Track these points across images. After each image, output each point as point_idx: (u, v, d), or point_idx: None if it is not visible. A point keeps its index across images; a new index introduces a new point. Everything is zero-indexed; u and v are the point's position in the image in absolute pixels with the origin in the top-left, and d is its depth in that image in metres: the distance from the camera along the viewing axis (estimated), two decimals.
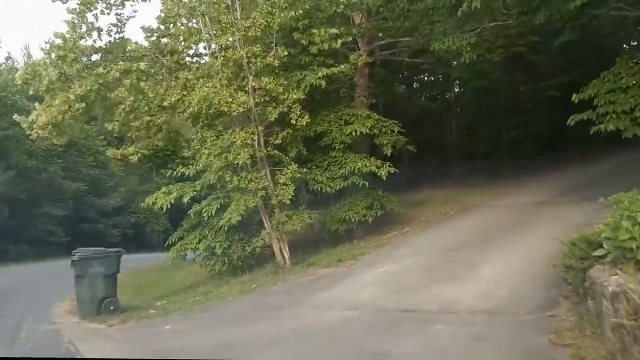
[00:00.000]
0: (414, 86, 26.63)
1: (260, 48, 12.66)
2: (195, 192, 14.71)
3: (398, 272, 10.58)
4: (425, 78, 26.40)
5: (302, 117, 12.75)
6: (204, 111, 12.85)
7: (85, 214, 38.59)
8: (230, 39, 12.57)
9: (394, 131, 14.41)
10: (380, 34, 17.35)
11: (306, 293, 10.52)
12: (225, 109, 12.40)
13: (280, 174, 12.95)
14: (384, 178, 13.47)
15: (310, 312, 9.30)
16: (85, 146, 40.61)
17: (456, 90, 24.33)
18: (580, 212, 12.43)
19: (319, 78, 13.53)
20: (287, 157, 13.29)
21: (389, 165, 13.59)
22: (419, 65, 20.90)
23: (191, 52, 16.10)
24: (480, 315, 7.42)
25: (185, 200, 14.45)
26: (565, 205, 13.67)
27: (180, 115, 14.98)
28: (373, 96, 18.63)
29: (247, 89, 12.76)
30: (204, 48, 15.00)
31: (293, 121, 12.72)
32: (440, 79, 24.81)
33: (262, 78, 12.51)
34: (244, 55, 12.58)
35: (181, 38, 15.02)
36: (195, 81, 13.34)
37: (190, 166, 14.93)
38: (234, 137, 12.60)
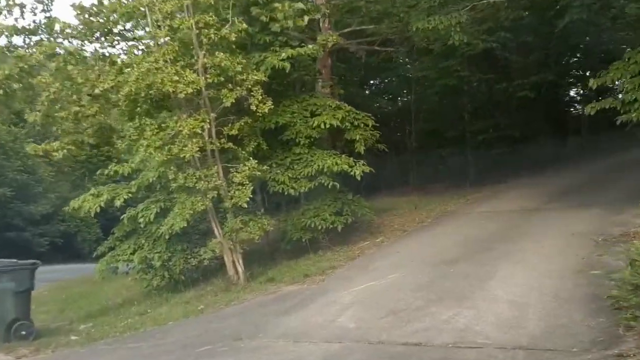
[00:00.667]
0: (373, 87, 24.86)
1: (214, 18, 10.48)
2: (130, 194, 12.37)
3: (384, 291, 8.59)
4: (386, 80, 24.70)
5: (265, 103, 10.65)
6: (142, 93, 10.53)
7: (11, 221, 34.97)
8: (178, 3, 10.29)
9: (367, 125, 12.48)
10: (347, 19, 15.43)
11: (269, 317, 8.38)
12: (170, 90, 10.16)
13: (236, 172, 10.77)
14: (359, 178, 11.52)
15: (276, 344, 7.16)
16: (13, 149, 37.08)
17: (418, 90, 22.63)
18: (579, 220, 10.99)
19: (283, 60, 11.45)
20: (244, 152, 11.13)
21: (363, 164, 11.64)
22: (385, 58, 19.17)
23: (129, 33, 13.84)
24: (519, 354, 5.48)
25: (117, 203, 12.07)
26: (558, 212, 12.20)
27: (115, 103, 12.57)
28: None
29: (196, 67, 10.56)
30: (145, 25, 12.73)
31: (253, 107, 10.59)
32: (404, 77, 23.05)
33: (217, 53, 10.32)
34: (194, 25, 10.38)
35: (116, 15, 12.58)
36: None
37: (126, 163, 12.56)
38: (180, 126, 10.35)
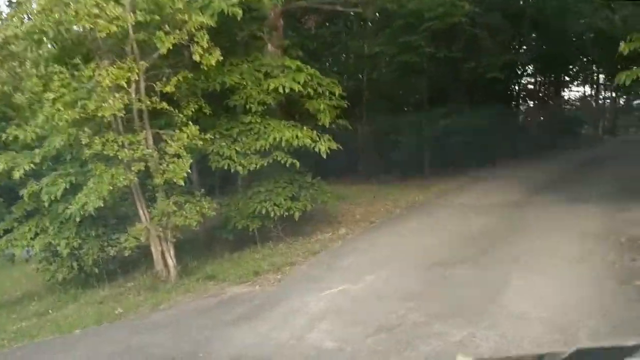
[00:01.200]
0: (326, 63, 22.73)
1: None
2: (33, 165, 9.70)
3: (364, 297, 6.61)
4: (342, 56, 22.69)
5: (211, 53, 8.35)
6: (50, 32, 8.02)
7: None
8: None
9: (334, 94, 10.39)
10: None
11: (213, 330, 6.22)
12: (87, 27, 7.72)
13: (170, 140, 8.45)
14: (325, 155, 9.44)
15: None
16: None
17: (374, 68, 20.70)
18: (582, 217, 9.45)
19: (233, 5, 9.15)
20: (181, 115, 8.79)
21: (329, 139, 9.59)
22: (336, 32, 17.10)
23: None
24: None
25: (17, 175, 9.42)
26: (552, 206, 10.63)
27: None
28: None
29: None
30: None
31: (196, 57, 8.26)
32: (357, 52, 21.06)
33: None
34: None
35: None
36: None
37: (28, 127, 9.92)
38: (99, 75, 7.91)
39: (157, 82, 8.53)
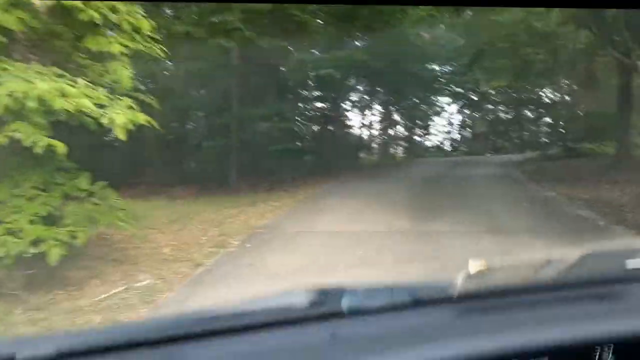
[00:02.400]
0: None
1: None
2: None
3: None
4: None
5: None
6: None
7: None
8: None
9: (138, 31, 5.75)
10: None
11: None
12: None
13: None
14: (123, 134, 4.83)
15: None
16: None
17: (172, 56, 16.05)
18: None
19: None
20: None
21: (130, 106, 4.99)
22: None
23: None
24: None
25: None
26: (462, 239, 7.31)
27: None
28: None
29: None
30: None
31: None
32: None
33: None
34: None
35: None
36: None
37: None
38: None
39: None
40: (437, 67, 26.89)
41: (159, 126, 15.58)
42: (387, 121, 33.31)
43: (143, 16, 5.94)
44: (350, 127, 28.46)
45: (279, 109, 14.73)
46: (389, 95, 25.57)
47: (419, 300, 1.23)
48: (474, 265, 1.32)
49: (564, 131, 18.73)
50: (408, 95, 26.79)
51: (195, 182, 15.10)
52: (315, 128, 18.12)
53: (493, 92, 32.28)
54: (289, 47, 14.18)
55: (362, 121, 27.14)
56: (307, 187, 13.73)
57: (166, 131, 16.24)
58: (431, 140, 36.97)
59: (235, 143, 15.10)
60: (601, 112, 16.82)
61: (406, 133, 35.92)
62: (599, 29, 12.14)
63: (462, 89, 31.78)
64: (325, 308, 1.20)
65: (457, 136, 36.55)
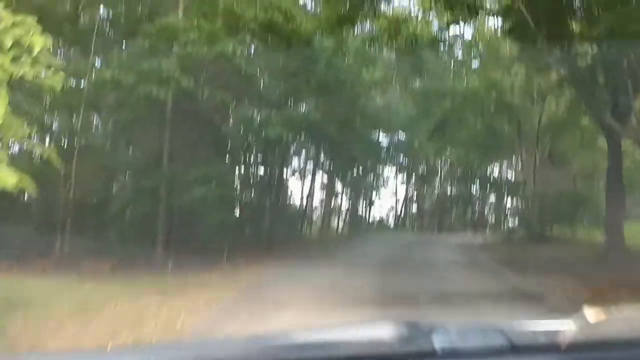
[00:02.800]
0: None
1: None
2: None
3: None
4: None
5: None
6: None
7: None
8: None
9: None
10: None
11: None
12: None
13: None
14: None
15: None
16: None
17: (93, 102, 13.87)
18: None
19: None
20: None
21: None
22: None
23: None
24: None
25: None
26: None
27: None
28: None
29: None
30: None
31: None
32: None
33: None
34: None
35: None
36: None
37: None
38: None
39: None
40: (387, 136, 25.59)
41: (77, 189, 13.26)
42: (331, 191, 31.59)
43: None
44: (294, 195, 26.57)
45: (218, 172, 12.66)
46: (336, 162, 23.98)
47: (519, 346, 1.12)
48: (589, 313, 1.20)
49: (529, 212, 17.09)
50: (355, 163, 25.19)
51: (114, 255, 12.63)
52: (258, 196, 16.11)
53: (447, 166, 31.43)
54: (232, 102, 12.29)
55: (307, 189, 25.37)
56: (249, 268, 11.60)
57: (83, 193, 13.87)
58: (377, 214, 35.47)
59: (163, 210, 12.84)
60: (574, 192, 15.83)
61: (351, 204, 34.23)
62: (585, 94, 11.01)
63: (412, 160, 30.54)
64: (416, 346, 1.16)
65: (406, 210, 35.36)
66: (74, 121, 14.19)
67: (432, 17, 13.44)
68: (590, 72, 9.98)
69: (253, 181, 17.34)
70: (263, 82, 13.24)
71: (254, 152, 15.47)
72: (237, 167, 14.61)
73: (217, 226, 12.50)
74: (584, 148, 17.65)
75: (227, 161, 13.69)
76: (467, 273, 11.24)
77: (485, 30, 16.87)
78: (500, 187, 31.19)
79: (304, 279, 10.29)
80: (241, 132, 13.19)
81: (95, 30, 13.52)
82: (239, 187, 14.25)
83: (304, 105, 13.37)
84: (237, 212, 13.43)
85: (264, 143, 13.61)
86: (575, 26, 9.89)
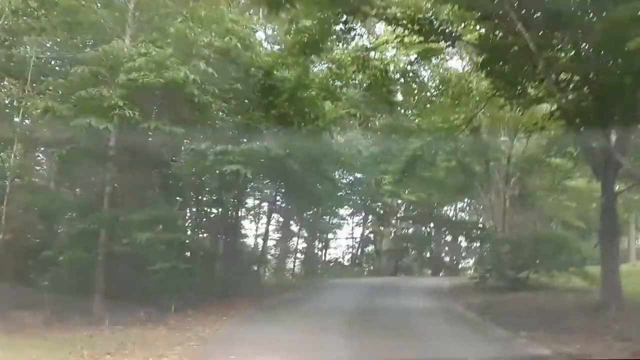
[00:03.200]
0: None
1: None
2: None
3: None
4: None
5: None
6: None
7: None
8: None
9: None
10: None
11: None
12: None
13: None
14: None
15: None
16: None
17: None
18: None
19: None
20: None
21: None
22: None
23: None
24: None
25: None
26: None
27: None
28: None
29: None
30: None
31: None
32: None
33: None
34: None
35: None
36: None
37: None
38: None
39: None
40: (346, 174, 24.53)
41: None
42: (288, 231, 30.20)
43: None
44: (248, 237, 25.02)
45: (165, 214, 11.26)
46: (294, 200, 22.73)
47: None
48: None
49: (499, 257, 15.89)
50: (311, 204, 23.96)
51: (47, 306, 11.13)
52: (211, 239, 14.73)
53: (409, 206, 30.52)
54: (183, 135, 11.03)
55: (262, 230, 23.94)
56: (198, 322, 10.19)
57: (14, 237, 12.23)
58: (333, 256, 33.99)
59: (103, 256, 11.32)
60: (552, 235, 14.98)
61: (306, 246, 32.83)
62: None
63: (372, 200, 29.39)
64: None
65: (363, 252, 34.03)
66: (4, 158, 12.66)
67: (403, 48, 12.66)
68: (588, 102, 9.17)
69: (206, 223, 16.04)
70: (218, 113, 12.01)
71: (207, 190, 14.14)
72: (188, 208, 13.24)
73: (164, 274, 11.04)
74: (555, 189, 17.14)
75: (176, 201, 12.28)
76: (444, 327, 10.03)
77: (462, 64, 16.31)
78: (466, 228, 30.27)
79: (255, 335, 9.02)
80: (194, 169, 11.87)
81: (33, 59, 12.13)
82: (190, 229, 12.85)
83: (263, 139, 12.18)
84: (186, 258, 12.00)
85: (219, 180, 12.33)
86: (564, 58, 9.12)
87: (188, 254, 13.09)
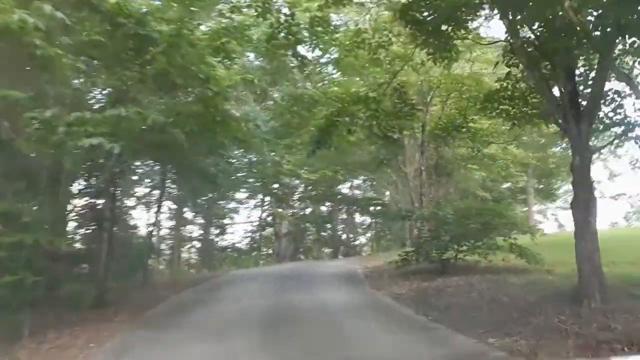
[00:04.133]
0: None
1: None
2: None
3: None
4: None
5: None
6: None
7: None
8: None
9: None
10: None
11: None
12: None
13: None
14: None
15: None
16: None
17: None
18: None
19: None
20: None
21: None
22: None
23: None
24: None
25: None
26: None
27: None
28: None
29: None
30: None
31: None
32: None
33: None
34: None
35: None
36: None
37: None
38: None
39: None
40: (242, 153, 21.99)
41: None
42: (181, 221, 27.71)
43: None
44: (138, 228, 22.26)
45: (7, 209, 8.31)
46: (184, 187, 20.03)
47: None
48: None
49: (419, 234, 14.14)
50: (206, 189, 21.39)
51: None
52: (90, 235, 11.85)
53: (307, 186, 28.71)
54: (26, 101, 8.11)
55: (152, 219, 21.16)
56: (62, 352, 7.53)
57: None
58: (231, 242, 31.82)
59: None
60: (484, 207, 13.38)
61: (203, 233, 30.47)
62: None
63: (270, 181, 27.09)
64: None
65: (262, 236, 31.83)
66: None
67: None
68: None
69: (86, 215, 13.17)
70: (74, 73, 9.15)
71: (71, 175, 11.20)
72: (47, 198, 10.29)
73: (10, 289, 8.17)
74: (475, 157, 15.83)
75: (26, 191, 9.27)
76: (378, 331, 7.95)
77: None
78: (362, 204, 29.16)
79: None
80: (42, 146, 8.92)
81: None
82: (51, 225, 9.97)
83: (137, 105, 9.47)
84: (44, 264, 9.12)
85: (84, 161, 9.52)
86: None
87: (53, 262, 10.25)
